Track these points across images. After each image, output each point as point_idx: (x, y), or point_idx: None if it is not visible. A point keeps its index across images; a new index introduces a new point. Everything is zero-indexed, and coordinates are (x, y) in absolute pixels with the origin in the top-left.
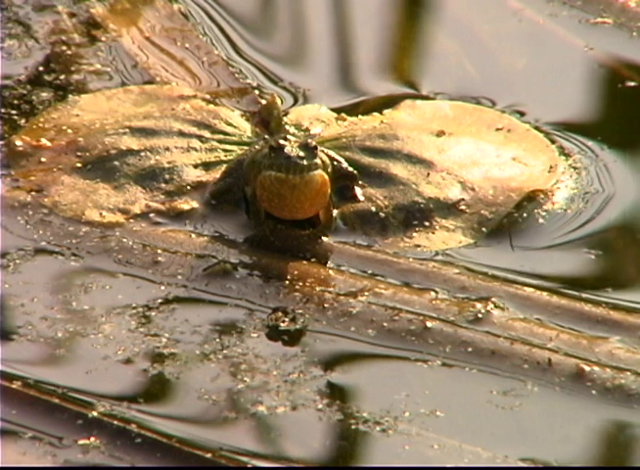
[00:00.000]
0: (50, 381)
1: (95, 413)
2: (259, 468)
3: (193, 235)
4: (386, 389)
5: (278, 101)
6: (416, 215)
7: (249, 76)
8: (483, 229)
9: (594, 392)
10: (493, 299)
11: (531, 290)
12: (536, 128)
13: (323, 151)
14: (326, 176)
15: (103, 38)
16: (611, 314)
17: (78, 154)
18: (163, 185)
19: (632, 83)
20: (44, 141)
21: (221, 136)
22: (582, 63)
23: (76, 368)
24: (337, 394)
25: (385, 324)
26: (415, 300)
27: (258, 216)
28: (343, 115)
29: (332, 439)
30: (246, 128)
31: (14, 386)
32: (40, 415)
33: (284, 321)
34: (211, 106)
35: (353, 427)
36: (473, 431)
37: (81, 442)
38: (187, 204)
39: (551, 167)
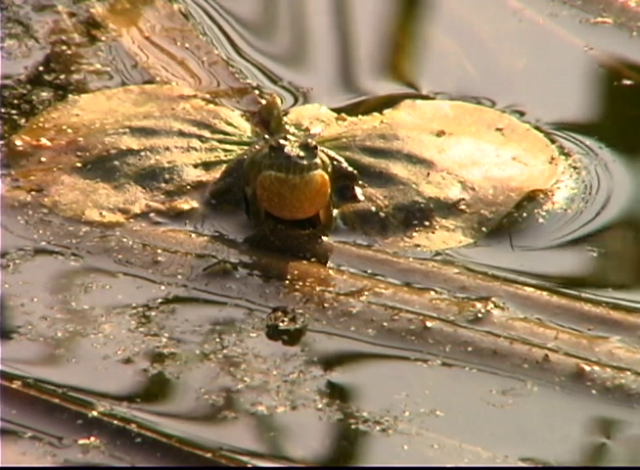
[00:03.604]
0: (50, 381)
1: (95, 413)
2: (259, 468)
3: (193, 235)
4: (386, 389)
5: (278, 101)
6: (416, 215)
7: (249, 76)
8: (483, 229)
9: (594, 392)
10: (493, 298)
11: (531, 290)
12: (536, 128)
13: (323, 151)
14: (326, 176)
15: (103, 38)
16: (611, 314)
17: (78, 154)
18: (163, 185)
19: (632, 83)
20: (44, 141)
21: (221, 136)
22: (582, 63)
23: (76, 368)
24: (337, 393)
25: (385, 324)
26: (415, 299)
27: (258, 216)
28: (344, 114)
29: (332, 439)
30: (246, 128)
31: (14, 386)
32: (40, 415)
33: (284, 321)
34: (211, 106)
35: (353, 427)
36: (473, 431)
37: (81, 442)
38: (187, 204)
39: (552, 159)
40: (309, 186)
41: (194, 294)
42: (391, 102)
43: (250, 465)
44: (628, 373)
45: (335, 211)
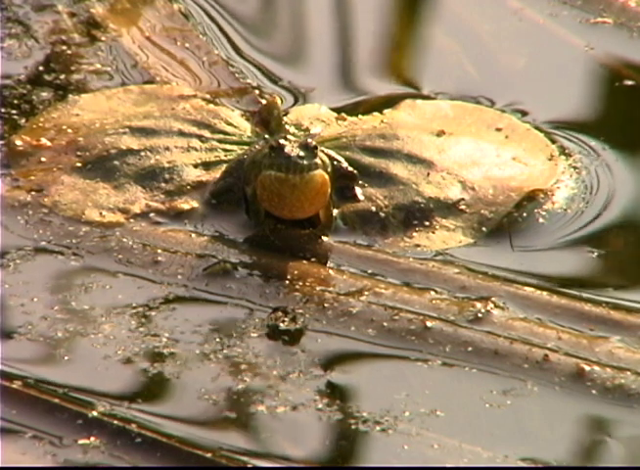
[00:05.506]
0: (50, 381)
1: (95, 413)
2: (259, 468)
3: (193, 235)
4: (386, 389)
5: (278, 101)
6: (416, 215)
7: (249, 76)
8: (483, 229)
9: (594, 392)
10: (493, 298)
11: (531, 290)
12: (536, 128)
13: (323, 151)
14: (326, 176)
15: (103, 38)
16: (611, 314)
17: (78, 153)
18: (163, 185)
19: (632, 83)
20: (44, 141)
21: (221, 136)
22: (582, 62)
23: (76, 368)
24: (337, 394)
25: (385, 324)
26: (415, 299)
27: (258, 216)
28: (344, 114)
29: (332, 439)
30: (246, 128)
31: (14, 386)
32: (40, 415)
33: (284, 321)
34: (211, 105)
35: (353, 427)
36: (473, 431)
37: (81, 442)
38: (187, 203)
39: (552, 158)
40: (309, 186)
41: (194, 294)
42: (391, 102)
43: (250, 465)
44: (628, 373)
45: (335, 211)
